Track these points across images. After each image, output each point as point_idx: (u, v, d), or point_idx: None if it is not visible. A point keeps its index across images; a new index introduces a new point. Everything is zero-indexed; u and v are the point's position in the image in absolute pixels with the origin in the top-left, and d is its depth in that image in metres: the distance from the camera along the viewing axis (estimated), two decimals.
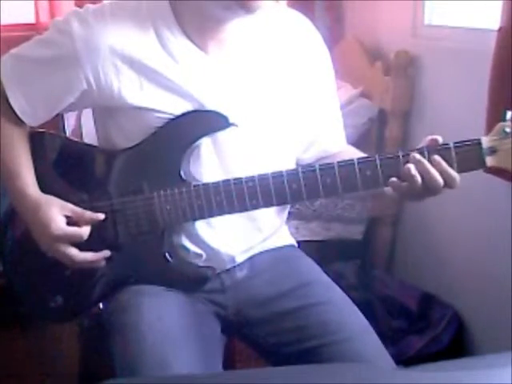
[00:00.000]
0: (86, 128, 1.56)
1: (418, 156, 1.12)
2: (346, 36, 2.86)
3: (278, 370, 0.97)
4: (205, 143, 1.24)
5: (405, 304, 2.21)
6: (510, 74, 1.69)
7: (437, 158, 1.11)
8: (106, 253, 1.26)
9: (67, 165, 1.33)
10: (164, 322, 1.22)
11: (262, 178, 1.18)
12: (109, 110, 1.26)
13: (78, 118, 1.61)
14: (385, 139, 2.41)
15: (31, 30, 2.67)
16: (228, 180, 1.19)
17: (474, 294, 2.09)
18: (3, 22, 2.62)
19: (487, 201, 1.98)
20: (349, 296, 1.34)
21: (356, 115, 2.42)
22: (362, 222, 2.39)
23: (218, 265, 1.31)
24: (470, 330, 2.12)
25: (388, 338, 1.91)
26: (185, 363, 1.16)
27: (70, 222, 1.25)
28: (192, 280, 1.30)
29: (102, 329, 1.32)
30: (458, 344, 2.10)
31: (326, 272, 1.39)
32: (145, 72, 1.21)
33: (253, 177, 1.18)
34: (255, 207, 1.20)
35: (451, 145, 1.11)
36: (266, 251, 1.38)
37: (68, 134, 1.56)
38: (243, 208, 1.20)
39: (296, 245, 1.47)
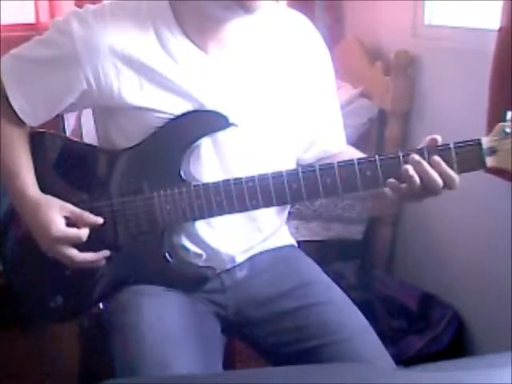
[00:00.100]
0: (85, 128, 1.56)
1: (417, 157, 1.11)
2: (346, 36, 2.85)
3: (278, 370, 0.97)
4: (205, 143, 1.24)
5: (405, 304, 2.21)
6: (510, 75, 1.69)
7: (436, 158, 1.11)
8: (106, 252, 1.26)
9: (67, 165, 1.33)
10: (164, 322, 1.22)
11: (262, 178, 1.18)
12: (109, 110, 1.26)
13: (78, 118, 1.61)
14: (385, 139, 2.41)
15: (31, 29, 2.67)
16: (228, 180, 1.19)
17: (474, 294, 2.09)
18: (3, 22, 2.62)
19: (487, 201, 1.98)
20: (349, 296, 1.34)
21: (356, 115, 2.42)
22: (362, 222, 2.39)
23: (218, 265, 1.31)
24: (470, 330, 2.12)
25: (388, 338, 1.91)
26: (185, 363, 1.16)
27: (70, 222, 1.25)
28: (192, 280, 1.30)
29: (102, 329, 1.32)
30: (458, 344, 2.10)
31: (326, 272, 1.39)
32: (145, 72, 1.21)
33: (253, 177, 1.18)
34: (255, 207, 1.20)
35: (451, 145, 1.11)
36: (266, 251, 1.38)
37: (68, 134, 1.56)
38: (243, 208, 1.20)
39: (296, 245, 1.47)
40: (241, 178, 1.19)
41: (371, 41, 2.65)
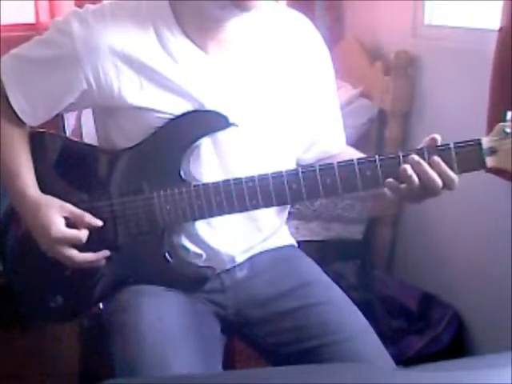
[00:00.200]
0: (86, 128, 1.56)
1: (416, 157, 1.11)
2: (346, 36, 2.86)
3: (277, 370, 0.97)
4: (205, 143, 1.24)
5: (405, 304, 2.21)
6: (511, 75, 1.68)
7: (436, 159, 1.11)
8: (106, 252, 1.27)
9: (67, 165, 1.33)
10: (164, 322, 1.22)
11: (262, 178, 1.18)
12: (109, 109, 1.26)
13: (78, 118, 1.61)
14: (385, 139, 2.41)
15: (31, 29, 2.67)
16: (228, 180, 1.19)
17: (474, 294, 2.09)
18: (3, 22, 2.62)
19: (487, 201, 1.98)
20: (349, 296, 1.34)
21: (356, 115, 2.42)
22: (362, 222, 2.39)
23: (218, 265, 1.31)
24: (470, 330, 2.12)
25: (388, 338, 1.91)
26: (185, 363, 1.16)
27: (70, 223, 1.25)
28: (192, 280, 1.30)
29: (102, 329, 1.32)
30: (458, 344, 2.10)
31: (326, 272, 1.39)
32: (145, 72, 1.21)
33: (253, 177, 1.18)
34: (255, 207, 1.20)
35: (451, 145, 1.11)
36: (266, 251, 1.38)
37: (68, 134, 1.56)
38: (243, 208, 1.20)
39: (296, 245, 1.47)
40: (241, 178, 1.19)
41: (371, 41, 2.65)
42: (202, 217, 1.23)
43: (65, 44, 1.21)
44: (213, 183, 1.20)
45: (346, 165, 1.15)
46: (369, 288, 2.28)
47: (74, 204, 1.26)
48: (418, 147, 1.13)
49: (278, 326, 1.31)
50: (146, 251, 1.28)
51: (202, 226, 1.27)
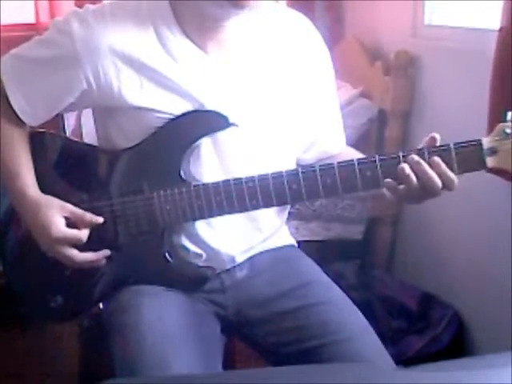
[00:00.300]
0: (85, 128, 1.56)
1: (416, 157, 1.11)
2: (346, 36, 2.86)
3: (278, 370, 0.97)
4: (205, 143, 1.24)
5: (405, 304, 2.21)
6: (511, 75, 1.68)
7: (436, 159, 1.10)
8: (106, 252, 1.26)
9: (67, 165, 1.33)
10: (164, 322, 1.22)
11: (262, 178, 1.18)
12: (109, 109, 1.26)
13: (78, 118, 1.61)
14: (385, 139, 2.41)
15: (31, 29, 2.67)
16: (228, 180, 1.19)
17: (474, 294, 2.09)
18: (3, 22, 2.62)
19: (487, 201, 1.98)
20: (349, 296, 1.34)
21: (356, 115, 2.42)
22: (362, 222, 2.39)
23: (217, 265, 1.31)
24: (470, 330, 2.12)
25: (388, 338, 1.91)
26: (185, 363, 1.16)
27: (70, 222, 1.25)
28: (192, 280, 1.30)
29: (102, 329, 1.32)
30: (458, 344, 2.10)
31: (326, 272, 1.39)
32: (145, 71, 1.21)
33: (253, 177, 1.18)
34: (255, 207, 1.20)
35: (451, 145, 1.11)
36: (266, 251, 1.38)
37: (68, 134, 1.56)
38: (243, 208, 1.20)
39: (296, 245, 1.47)
40: (241, 179, 1.19)
41: (371, 41, 2.64)
42: (202, 217, 1.23)
43: (65, 44, 1.21)
44: (213, 183, 1.20)
45: (346, 165, 1.15)
46: (369, 288, 2.28)
47: (74, 204, 1.25)
48: (418, 147, 1.13)
49: (278, 326, 1.31)
50: (146, 251, 1.28)
51: (202, 226, 1.27)
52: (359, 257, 2.44)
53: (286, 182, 1.17)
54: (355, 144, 1.46)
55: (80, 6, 1.25)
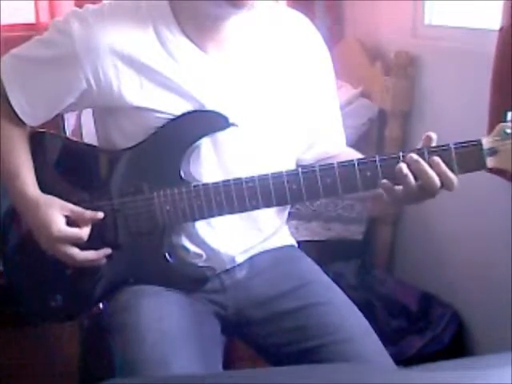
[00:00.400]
0: (85, 128, 1.56)
1: (415, 156, 1.11)
2: (346, 36, 2.85)
3: (278, 370, 0.97)
4: (205, 143, 1.24)
5: (405, 304, 2.21)
6: (511, 75, 1.68)
7: (436, 159, 1.10)
8: (107, 250, 1.26)
9: (67, 165, 1.33)
10: (164, 322, 1.22)
11: (262, 178, 1.18)
12: (109, 109, 1.26)
13: (78, 118, 1.61)
14: (385, 139, 2.41)
15: (31, 30, 2.67)
16: (228, 180, 1.19)
17: (474, 294, 2.09)
18: (3, 22, 2.62)
19: (487, 201, 1.98)
20: (349, 296, 1.34)
21: (356, 115, 2.42)
22: (362, 222, 2.39)
23: (217, 265, 1.31)
24: (470, 330, 2.12)
25: (388, 338, 1.91)
26: (185, 363, 1.16)
27: (70, 221, 1.25)
28: (192, 280, 1.30)
29: (101, 329, 1.32)
30: (458, 344, 2.10)
31: (325, 272, 1.39)
32: (144, 71, 1.21)
33: (253, 177, 1.18)
34: (255, 207, 1.20)
35: (451, 145, 1.11)
36: (266, 251, 1.38)
37: (68, 134, 1.56)
38: (243, 208, 1.20)
39: (296, 245, 1.47)
40: (241, 179, 1.19)
41: (371, 41, 2.64)
42: (202, 217, 1.23)
43: (65, 44, 1.21)
44: (213, 183, 1.20)
45: (347, 165, 1.15)
46: (369, 288, 2.28)
47: (74, 204, 1.25)
48: (418, 147, 1.13)
49: (278, 326, 1.31)
50: (146, 251, 1.28)
51: (202, 226, 1.27)
52: (359, 257, 2.44)
53: (286, 182, 1.17)
54: (355, 144, 1.46)
55: (80, 6, 1.25)
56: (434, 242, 2.32)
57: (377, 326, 1.32)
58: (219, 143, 1.25)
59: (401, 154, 1.13)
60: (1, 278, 1.40)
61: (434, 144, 1.12)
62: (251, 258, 1.36)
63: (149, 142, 1.24)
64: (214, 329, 1.33)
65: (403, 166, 1.10)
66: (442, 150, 1.11)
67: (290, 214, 1.44)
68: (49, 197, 1.26)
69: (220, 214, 1.21)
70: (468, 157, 1.11)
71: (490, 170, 1.14)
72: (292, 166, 1.31)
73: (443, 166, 1.10)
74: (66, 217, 1.24)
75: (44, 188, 1.28)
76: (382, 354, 1.26)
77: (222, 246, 1.30)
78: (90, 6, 1.24)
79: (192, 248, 1.29)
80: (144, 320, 1.22)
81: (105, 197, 1.26)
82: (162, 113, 1.22)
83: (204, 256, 1.30)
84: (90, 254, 1.25)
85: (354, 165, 1.14)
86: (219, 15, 1.20)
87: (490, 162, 1.11)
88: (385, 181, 1.12)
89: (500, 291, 1.91)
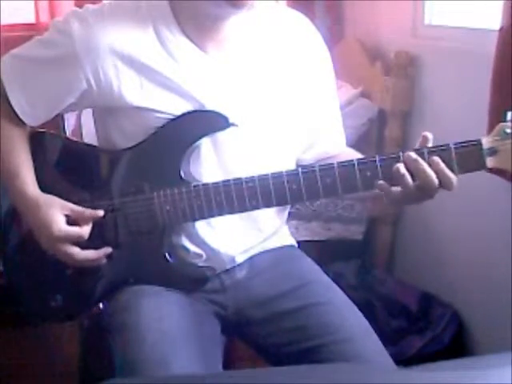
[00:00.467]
0: (85, 128, 1.56)
1: (413, 155, 1.11)
2: (346, 36, 2.85)
3: (278, 370, 0.97)
4: (205, 143, 1.24)
5: (405, 304, 2.21)
6: (511, 75, 1.68)
7: (435, 158, 1.10)
8: (108, 250, 1.27)
9: (67, 165, 1.33)
10: (164, 322, 1.22)
11: (262, 178, 1.18)
12: (109, 109, 1.26)
13: (78, 118, 1.61)
14: (385, 139, 2.41)
15: (31, 29, 2.67)
16: (228, 180, 1.19)
17: (474, 294, 2.09)
18: (3, 22, 2.62)
19: (487, 201, 1.98)
20: (349, 296, 1.34)
21: (356, 115, 2.42)
22: (362, 222, 2.39)
23: (217, 265, 1.31)
24: (470, 330, 2.12)
25: (388, 338, 1.91)
26: (185, 363, 1.16)
27: (71, 221, 1.25)
28: (192, 280, 1.30)
29: (101, 329, 1.32)
30: (458, 344, 2.10)
31: (326, 272, 1.39)
32: (144, 71, 1.21)
33: (253, 177, 1.18)
34: (255, 207, 1.20)
35: (451, 145, 1.11)
36: (266, 251, 1.38)
37: (68, 134, 1.56)
38: (243, 208, 1.20)
39: (296, 245, 1.47)
40: (241, 179, 1.19)
41: (371, 41, 2.64)
42: (202, 217, 1.23)
43: (65, 44, 1.21)
44: (213, 183, 1.20)
45: (346, 165, 1.15)
46: (369, 288, 2.28)
47: (75, 204, 1.25)
48: (416, 147, 1.13)
49: (278, 326, 1.31)
50: (146, 251, 1.28)
51: (202, 226, 1.27)
52: (359, 257, 2.44)
53: (286, 182, 1.17)
54: (355, 144, 1.46)
55: (80, 6, 1.25)
56: (433, 242, 2.32)
57: (377, 326, 1.32)
58: (219, 143, 1.25)
59: (400, 153, 1.12)
60: (1, 277, 1.40)
61: (430, 144, 1.12)
62: (251, 257, 1.36)
63: (149, 142, 1.24)
64: (214, 329, 1.33)
65: (400, 166, 1.10)
66: (441, 150, 1.11)
67: (290, 213, 1.44)
68: (49, 196, 1.26)
69: (220, 214, 1.21)
70: (468, 157, 1.11)
71: (490, 170, 1.13)
72: (292, 166, 1.31)
73: (442, 165, 1.10)
74: (67, 216, 1.25)
75: (44, 188, 1.28)
76: (382, 354, 1.26)
77: (222, 245, 1.30)
78: (90, 6, 1.24)
79: (192, 248, 1.29)
80: (144, 320, 1.22)
81: (105, 197, 1.26)
82: (162, 113, 1.22)
83: (204, 256, 1.30)
84: (90, 254, 1.25)
85: (354, 165, 1.14)
86: (219, 15, 1.21)
87: (490, 161, 1.11)
88: (381, 182, 1.12)
89: (500, 291, 1.91)
